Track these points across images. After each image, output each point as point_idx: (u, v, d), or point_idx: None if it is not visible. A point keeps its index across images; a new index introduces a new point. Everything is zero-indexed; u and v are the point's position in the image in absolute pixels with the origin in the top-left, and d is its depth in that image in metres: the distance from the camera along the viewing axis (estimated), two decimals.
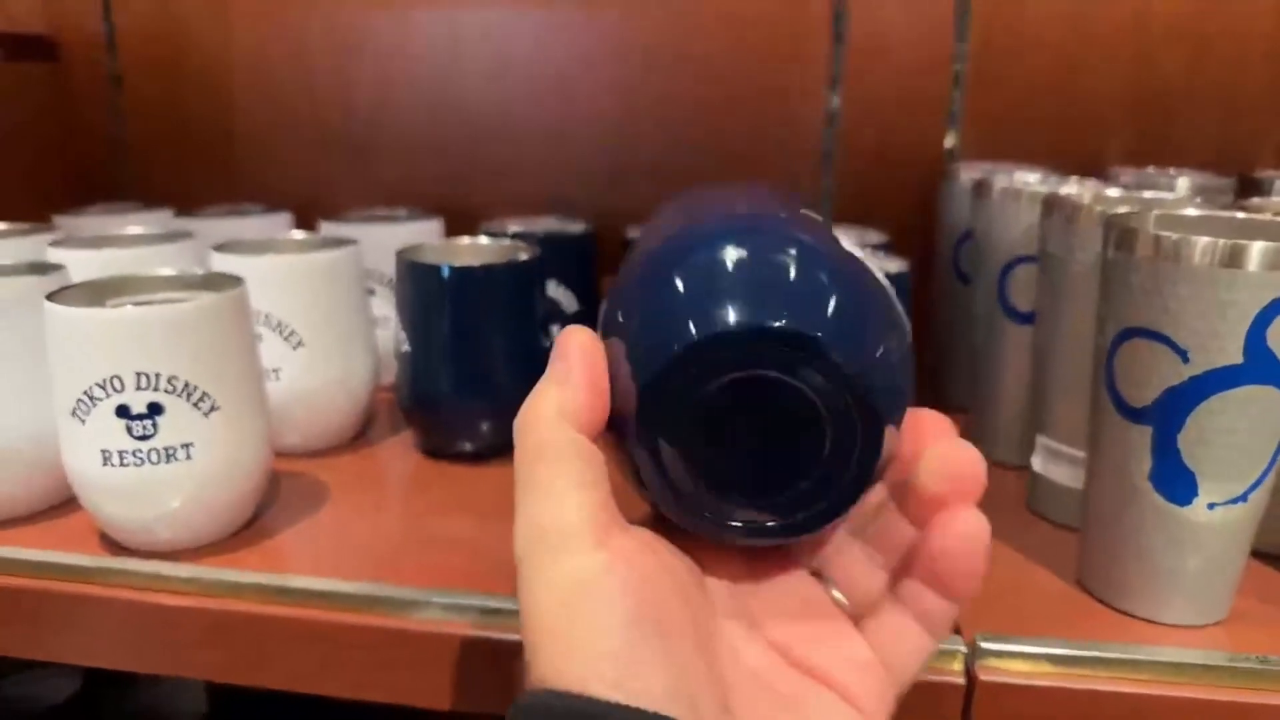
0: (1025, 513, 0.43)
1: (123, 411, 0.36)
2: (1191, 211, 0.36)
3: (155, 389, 0.36)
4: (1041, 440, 0.42)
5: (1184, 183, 0.50)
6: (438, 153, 0.66)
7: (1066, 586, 0.37)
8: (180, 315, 0.37)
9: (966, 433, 0.50)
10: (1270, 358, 0.31)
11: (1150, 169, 0.56)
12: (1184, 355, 0.31)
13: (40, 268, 0.44)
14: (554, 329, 0.57)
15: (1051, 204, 0.40)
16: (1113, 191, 0.44)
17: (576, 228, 0.59)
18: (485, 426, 0.49)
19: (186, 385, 0.37)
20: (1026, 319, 0.46)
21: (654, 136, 0.64)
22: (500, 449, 0.49)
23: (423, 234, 0.59)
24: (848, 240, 0.29)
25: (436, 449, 0.50)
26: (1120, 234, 0.33)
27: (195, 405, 0.37)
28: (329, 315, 0.48)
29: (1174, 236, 0.31)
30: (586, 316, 0.58)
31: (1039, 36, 0.58)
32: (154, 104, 0.67)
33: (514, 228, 0.62)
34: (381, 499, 0.45)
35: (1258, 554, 0.39)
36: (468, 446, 0.49)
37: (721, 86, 0.62)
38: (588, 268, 0.59)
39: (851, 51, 0.60)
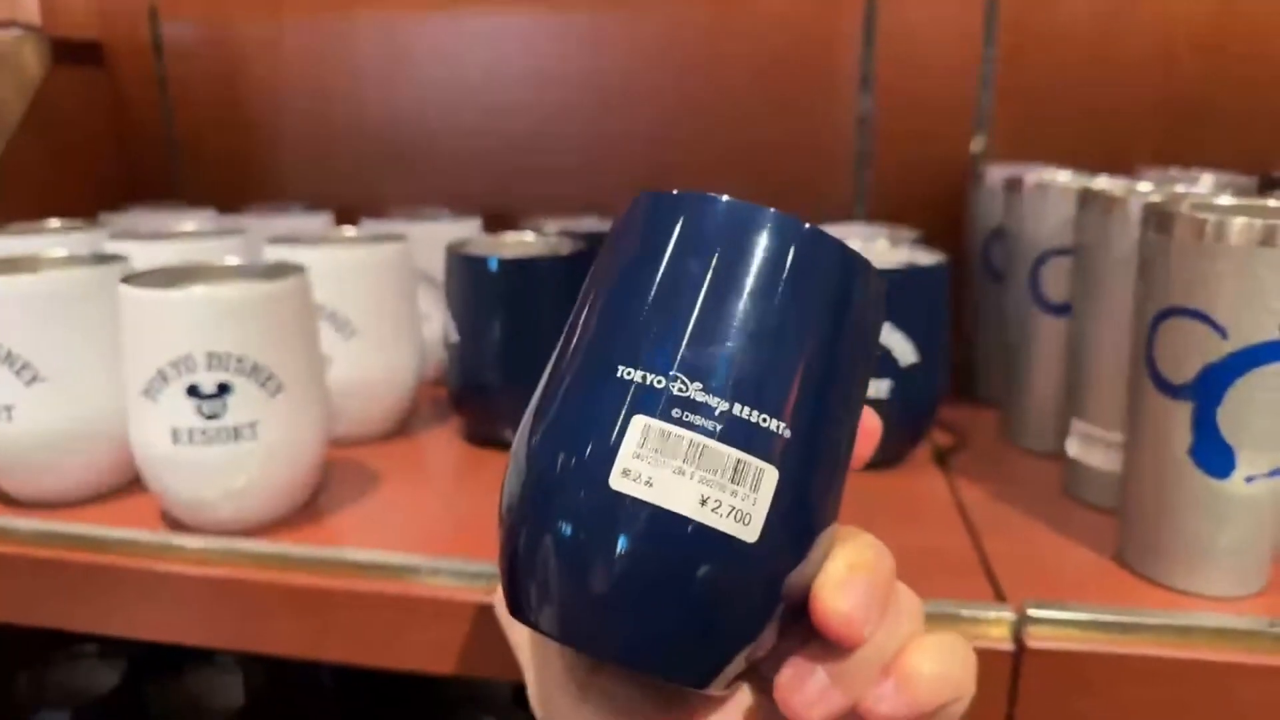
0: (1063, 498, 0.45)
1: (194, 391, 0.38)
2: (1225, 199, 0.38)
3: (225, 369, 0.38)
4: (1077, 425, 0.44)
5: (1209, 179, 0.52)
6: (480, 157, 0.68)
7: (1107, 562, 0.38)
8: (251, 297, 0.38)
9: (1000, 427, 0.52)
10: None
11: (1174, 170, 0.57)
12: (1222, 332, 0.33)
13: (105, 258, 0.46)
14: None
15: (1087, 196, 0.42)
16: (1144, 186, 0.45)
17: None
18: None
19: (255, 366, 0.38)
20: (1059, 310, 0.47)
21: (690, 140, 0.66)
22: None
23: (464, 232, 0.60)
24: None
25: (484, 436, 0.51)
26: (1159, 217, 0.34)
27: (262, 385, 0.39)
28: (381, 307, 0.50)
29: (1212, 218, 0.32)
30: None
31: (1065, 40, 0.60)
32: (201, 106, 0.69)
33: (554, 228, 0.63)
34: (432, 482, 0.46)
35: None
36: (511, 434, 0.50)
37: (755, 90, 0.64)
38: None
39: (881, 55, 0.61)
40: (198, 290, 0.38)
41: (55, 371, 0.41)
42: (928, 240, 0.56)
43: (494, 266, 0.48)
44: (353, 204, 0.66)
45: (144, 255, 0.50)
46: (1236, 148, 0.60)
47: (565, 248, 0.52)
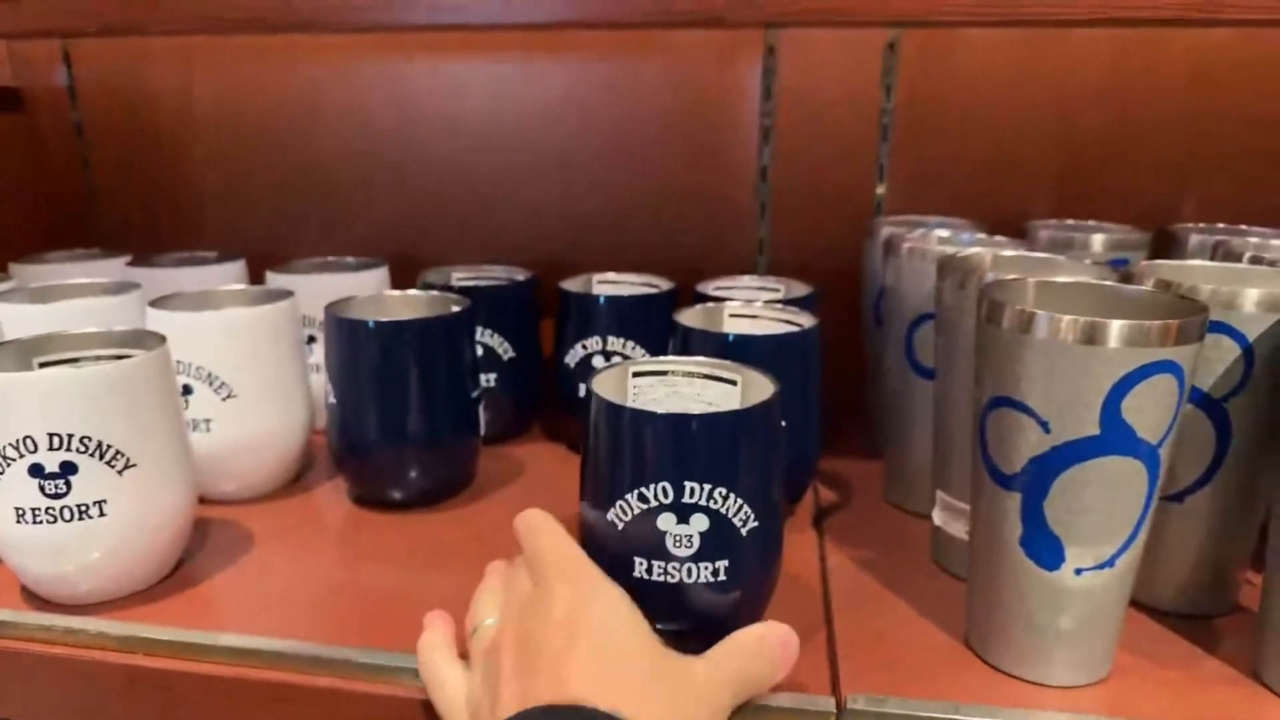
0: (929, 564, 0.44)
1: (36, 470, 0.38)
2: (1067, 279, 0.38)
3: (68, 449, 0.38)
4: (940, 495, 0.43)
5: (1099, 239, 0.51)
6: (388, 203, 0.68)
7: (957, 645, 0.38)
8: (92, 378, 0.38)
9: (883, 479, 0.52)
10: (1126, 430, 0.32)
11: (1070, 221, 0.57)
12: (1045, 426, 0.32)
13: None
14: (489, 377, 0.58)
15: (945, 266, 0.42)
16: (1010, 252, 0.45)
17: (514, 277, 0.61)
18: (412, 474, 0.50)
19: (100, 445, 0.38)
20: (931, 374, 0.47)
21: (594, 189, 0.66)
22: (427, 495, 0.51)
23: (366, 283, 0.60)
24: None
25: (366, 496, 0.51)
26: (990, 305, 0.34)
27: (109, 464, 0.39)
28: (260, 369, 0.49)
29: (1035, 312, 0.32)
30: (520, 363, 0.59)
31: (963, 93, 0.59)
32: (117, 152, 0.69)
33: (459, 275, 0.63)
34: (308, 549, 0.46)
35: (1142, 607, 0.40)
36: (396, 494, 0.50)
37: (660, 142, 0.64)
38: (526, 316, 0.60)
39: (781, 107, 0.61)
40: (36, 373, 0.38)
41: None
42: (830, 289, 0.56)
43: (369, 328, 0.48)
44: (269, 249, 0.66)
45: (31, 317, 0.50)
46: (1137, 199, 0.60)
47: (449, 307, 0.52)
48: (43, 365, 0.43)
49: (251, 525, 0.49)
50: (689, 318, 0.49)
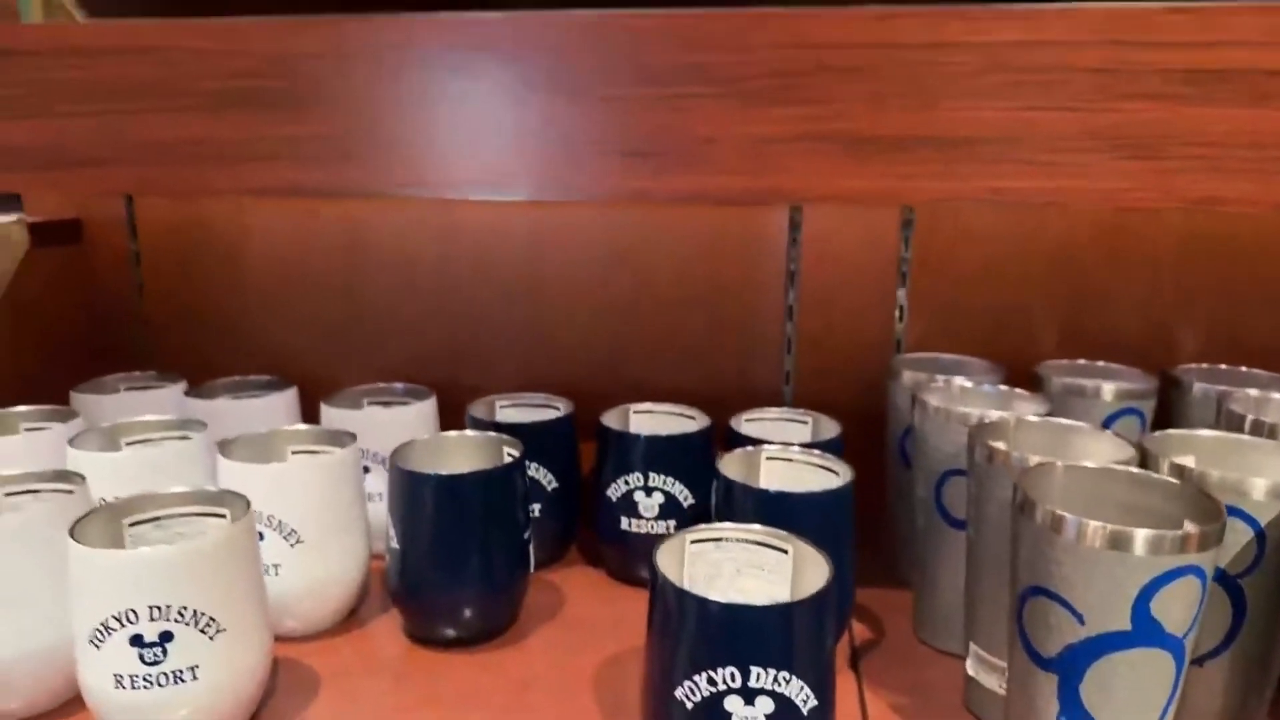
0: (964, 712, 0.47)
1: (136, 640, 0.40)
2: (1094, 464, 0.41)
3: (167, 619, 0.40)
4: (974, 649, 0.46)
5: (1110, 389, 0.55)
6: (430, 336, 0.72)
7: None
8: (193, 553, 0.41)
9: (913, 616, 0.55)
10: (1156, 625, 0.35)
11: (1081, 362, 0.61)
12: (1080, 618, 0.36)
13: (64, 476, 0.49)
14: (534, 508, 0.61)
15: (974, 439, 0.45)
16: (1034, 417, 0.48)
17: (556, 412, 0.64)
18: (468, 613, 0.53)
19: (196, 613, 0.41)
20: (961, 525, 0.50)
21: (626, 324, 0.70)
22: (480, 632, 0.53)
23: (418, 417, 0.63)
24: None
25: (420, 633, 0.54)
26: (1023, 500, 0.38)
27: (202, 630, 0.41)
28: (326, 513, 0.52)
29: (1067, 516, 0.35)
30: (562, 492, 0.62)
31: (975, 244, 0.64)
32: (170, 279, 0.73)
33: (502, 404, 0.67)
34: (369, 693, 0.49)
35: None
36: (450, 632, 0.53)
37: (689, 282, 0.68)
38: (569, 447, 0.64)
39: (806, 253, 0.65)
40: (140, 551, 0.41)
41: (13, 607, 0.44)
42: (852, 421, 0.60)
43: (433, 482, 0.51)
44: (315, 371, 0.69)
45: (107, 464, 0.53)
46: (1137, 336, 0.64)
47: (505, 454, 0.55)
48: (132, 525, 0.46)
49: (314, 663, 0.51)
50: (730, 467, 0.52)
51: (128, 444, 0.58)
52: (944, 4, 0.46)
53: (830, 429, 0.59)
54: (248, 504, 0.45)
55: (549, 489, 0.62)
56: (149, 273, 0.72)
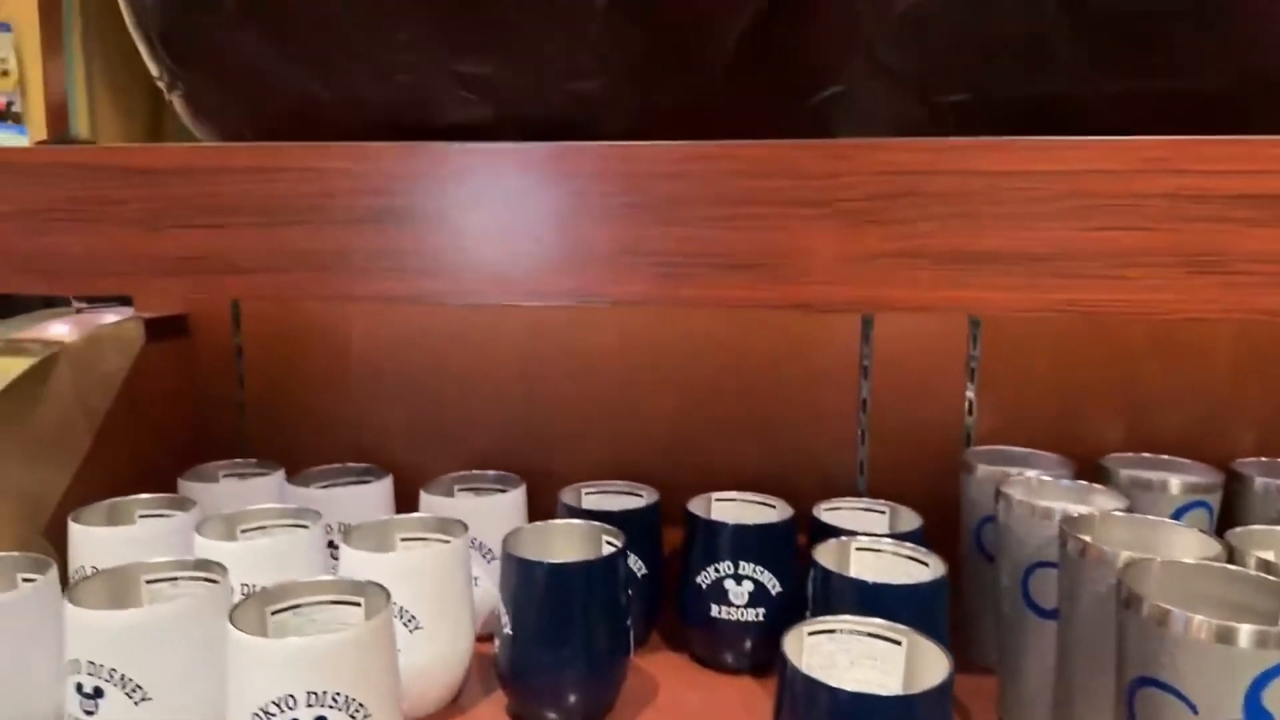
0: None
1: None
2: (1191, 560, 0.44)
3: (323, 705, 0.43)
4: None
5: (1176, 483, 0.58)
6: (522, 424, 0.76)
7: None
8: (350, 641, 0.44)
9: (998, 702, 0.57)
10: (1268, 716, 0.37)
11: (1146, 456, 0.64)
12: (1193, 708, 0.38)
13: (205, 565, 0.52)
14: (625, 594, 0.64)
15: (1065, 533, 0.48)
16: (1118, 511, 0.52)
17: (640, 500, 0.67)
18: (573, 698, 0.55)
19: (348, 699, 0.44)
20: (1049, 614, 0.53)
21: (707, 415, 0.74)
22: (584, 717, 0.55)
23: (511, 504, 0.67)
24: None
25: (528, 715, 0.56)
26: (1128, 595, 0.41)
27: (352, 715, 0.44)
28: (440, 600, 0.55)
29: (1174, 611, 0.38)
30: (651, 579, 0.65)
31: (1041, 339, 0.68)
32: (270, 371, 0.77)
33: (588, 491, 0.70)
34: None
35: None
36: (554, 716, 0.55)
37: (765, 373, 0.72)
38: (656, 535, 0.67)
39: (878, 348, 0.70)
40: (293, 641, 0.44)
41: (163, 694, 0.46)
42: (926, 510, 0.63)
43: (544, 570, 0.54)
44: (404, 461, 0.73)
45: (232, 553, 0.56)
46: (1197, 432, 0.68)
47: (608, 544, 0.58)
48: (274, 613, 0.49)
49: None
50: (825, 557, 0.55)
51: (243, 531, 0.61)
52: (1024, 135, 0.51)
53: (910, 520, 0.62)
54: (387, 595, 0.48)
55: (639, 575, 0.65)
56: (250, 364, 0.77)
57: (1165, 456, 0.64)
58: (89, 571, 0.56)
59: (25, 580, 0.53)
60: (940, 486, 0.66)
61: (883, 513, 0.65)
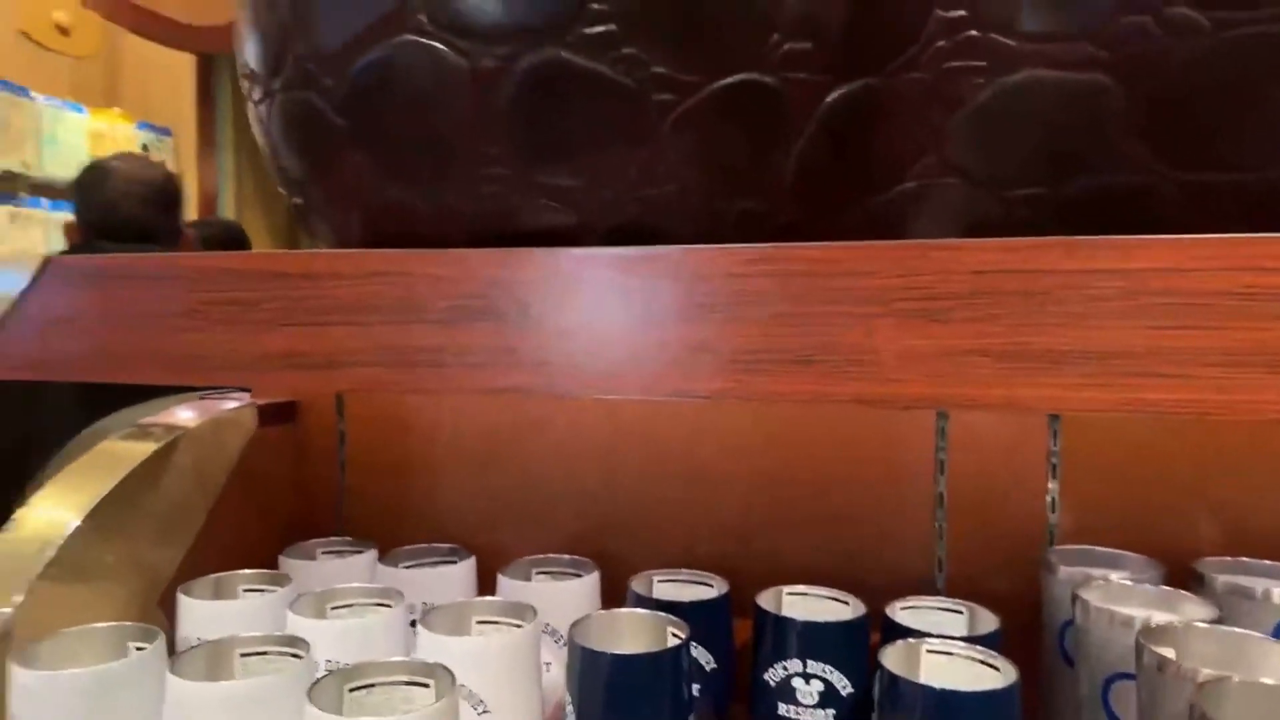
0: None
1: None
2: (1272, 682, 0.42)
3: None
4: None
5: (1278, 592, 0.55)
6: (596, 511, 0.78)
7: None
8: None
9: None
10: None
11: (1245, 560, 0.61)
12: None
13: (292, 641, 0.56)
14: (693, 687, 0.64)
15: (1142, 646, 0.46)
16: (1202, 623, 0.49)
17: (711, 590, 0.68)
18: None
19: None
20: None
21: (777, 508, 0.74)
22: None
23: (584, 589, 0.69)
24: None
25: None
26: (1201, 718, 0.39)
27: None
28: (510, 685, 0.57)
29: None
30: (720, 673, 0.65)
31: (1124, 436, 0.66)
32: (370, 456, 0.83)
33: (659, 580, 0.71)
34: None
35: None
36: None
37: (837, 465, 0.72)
38: (726, 627, 0.67)
39: (954, 442, 0.69)
40: None
41: None
42: (1005, 611, 0.61)
43: (610, 660, 0.55)
44: (488, 542, 0.76)
45: (323, 631, 0.60)
46: None
47: (673, 635, 0.59)
48: (351, 690, 0.52)
49: None
50: (891, 659, 0.54)
51: (333, 609, 0.65)
52: (1089, 234, 0.51)
53: (988, 622, 0.61)
54: (453, 679, 0.50)
55: (707, 669, 0.65)
56: (351, 449, 0.82)
57: (1268, 562, 0.60)
58: (195, 642, 0.61)
59: (136, 649, 0.58)
60: (1022, 587, 0.64)
61: (960, 613, 0.63)
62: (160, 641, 0.56)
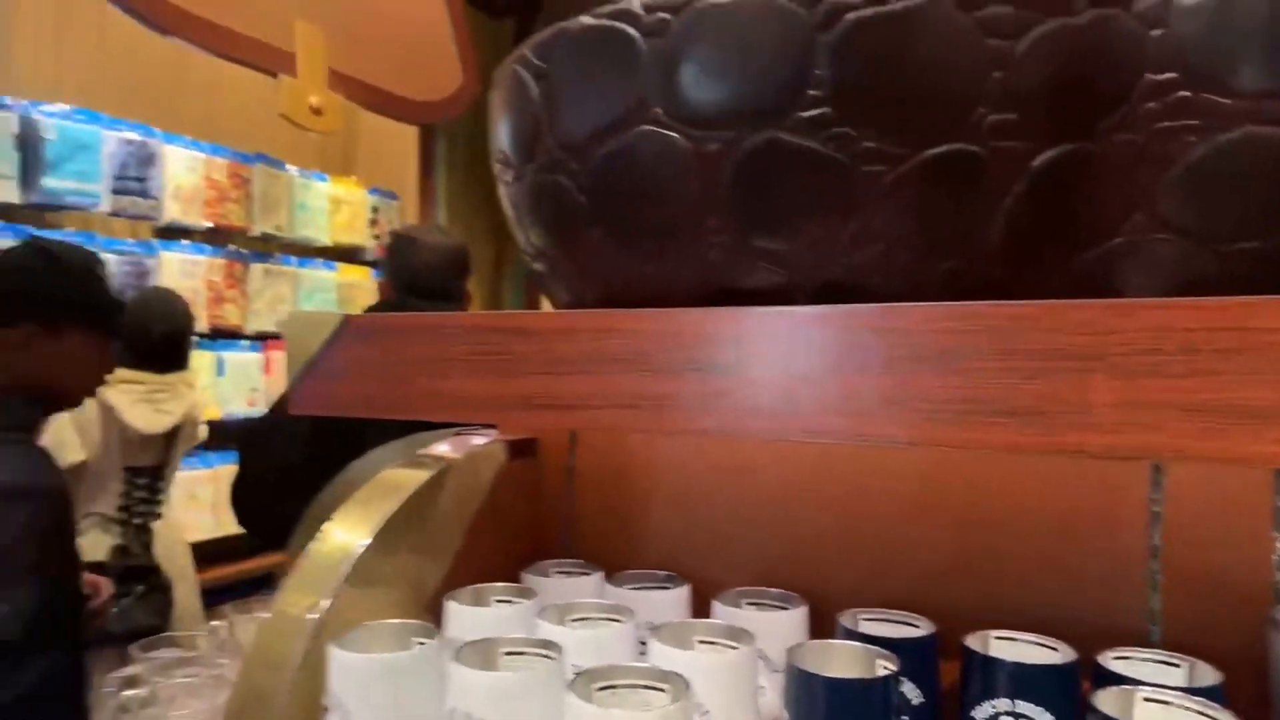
0: None
1: None
2: None
3: None
4: None
5: None
6: (806, 547, 0.84)
7: None
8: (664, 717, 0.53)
9: None
10: None
11: None
12: None
13: (546, 644, 0.65)
14: (903, 718, 0.68)
15: None
16: None
17: (921, 631, 0.71)
18: None
19: None
20: None
21: (983, 554, 0.76)
22: None
23: (790, 622, 0.74)
24: None
25: None
26: None
27: None
28: (735, 699, 0.63)
29: None
30: (926, 707, 0.68)
31: None
32: (599, 489, 0.93)
33: (864, 618, 0.75)
34: None
35: None
36: None
37: (1048, 516, 0.74)
38: (932, 667, 0.70)
39: (1170, 493, 0.69)
40: (623, 713, 0.54)
41: None
42: (1227, 670, 0.60)
43: (824, 685, 0.60)
44: (700, 573, 0.83)
45: (566, 636, 0.69)
46: None
47: (884, 666, 0.63)
48: (599, 690, 0.60)
49: None
50: (1105, 703, 0.56)
51: (571, 620, 0.74)
52: None
53: (1209, 676, 0.60)
54: (688, 685, 0.57)
55: (914, 703, 0.68)
56: (581, 483, 0.93)
57: None
58: (459, 642, 0.71)
59: (418, 643, 0.69)
60: (1245, 645, 0.63)
61: (1178, 666, 0.63)
62: (439, 638, 0.67)
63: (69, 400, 1.56)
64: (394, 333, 0.74)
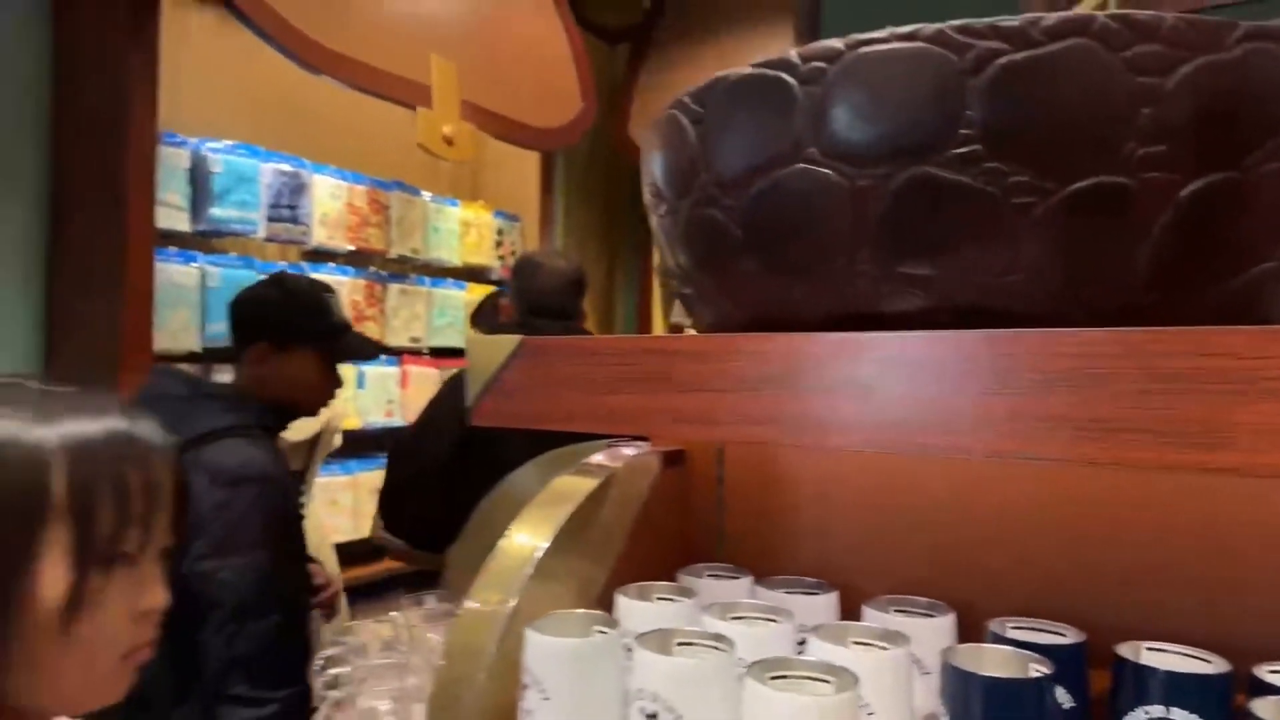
0: None
1: None
2: None
3: None
4: None
5: None
6: (952, 556, 0.87)
7: None
8: (829, 706, 0.59)
9: None
10: None
11: None
12: None
13: (718, 637, 0.71)
14: None
15: None
16: None
17: (1070, 639, 0.74)
18: None
19: None
20: None
21: (1130, 568, 0.78)
22: None
23: (943, 630, 0.78)
24: None
25: None
26: None
27: None
28: (894, 695, 0.68)
29: None
30: (1076, 711, 0.71)
31: None
32: (745, 496, 0.99)
33: (1010, 626, 0.78)
34: None
35: None
36: None
37: (1196, 532, 0.75)
38: (1082, 673, 0.73)
39: None
40: (799, 699, 0.60)
41: None
42: None
43: (981, 683, 0.64)
44: (848, 579, 0.88)
45: (728, 629, 0.75)
46: None
47: (1040, 668, 0.67)
48: (771, 679, 0.66)
49: None
50: (1267, 711, 0.58)
51: (731, 617, 0.80)
52: None
53: None
54: (855, 679, 0.63)
55: (1065, 707, 0.71)
56: (728, 491, 0.99)
57: None
58: (628, 634, 0.79)
59: (598, 631, 0.77)
60: None
61: None
62: (617, 628, 0.75)
63: (304, 409, 1.81)
64: (559, 354, 0.82)
